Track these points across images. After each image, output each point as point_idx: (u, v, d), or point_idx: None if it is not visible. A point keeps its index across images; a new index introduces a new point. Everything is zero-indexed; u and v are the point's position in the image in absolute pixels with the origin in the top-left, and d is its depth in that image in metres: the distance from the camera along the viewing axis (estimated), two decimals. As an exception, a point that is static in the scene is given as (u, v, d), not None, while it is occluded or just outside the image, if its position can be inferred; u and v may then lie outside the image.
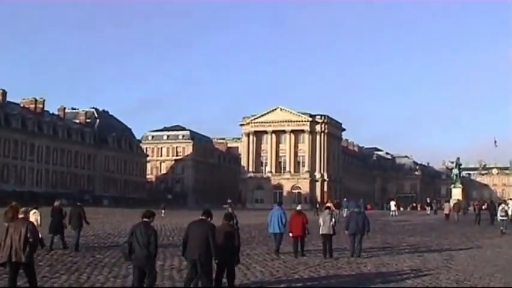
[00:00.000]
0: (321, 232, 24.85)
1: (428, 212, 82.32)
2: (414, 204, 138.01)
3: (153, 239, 13.62)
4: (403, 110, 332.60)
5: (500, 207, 45.41)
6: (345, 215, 49.67)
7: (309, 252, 25.49)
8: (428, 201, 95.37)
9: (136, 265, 13.82)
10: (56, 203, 25.96)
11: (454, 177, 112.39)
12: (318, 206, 79.89)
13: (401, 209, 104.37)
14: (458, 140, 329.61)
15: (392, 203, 79.53)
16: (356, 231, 24.75)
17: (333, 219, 25.30)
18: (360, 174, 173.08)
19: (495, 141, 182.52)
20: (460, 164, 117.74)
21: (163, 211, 61.67)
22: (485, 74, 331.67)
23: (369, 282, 17.79)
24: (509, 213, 42.01)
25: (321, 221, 25.18)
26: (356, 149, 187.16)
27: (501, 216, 42.72)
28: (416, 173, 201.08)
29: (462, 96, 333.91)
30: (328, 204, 49.52)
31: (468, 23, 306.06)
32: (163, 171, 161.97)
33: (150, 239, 13.56)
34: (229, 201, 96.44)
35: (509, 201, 52.71)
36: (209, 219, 14.52)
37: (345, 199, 76.61)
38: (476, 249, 28.82)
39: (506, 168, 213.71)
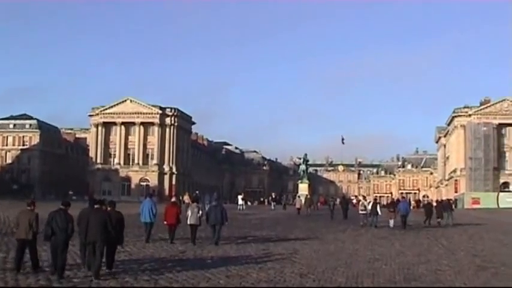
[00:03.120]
0: (188, 222, 27.84)
1: (273, 207, 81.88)
2: (262, 199, 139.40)
3: (70, 225, 16.66)
4: (253, 105, 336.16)
5: (360, 203, 49.24)
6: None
7: (177, 239, 27.88)
8: (273, 196, 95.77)
9: (53, 245, 16.63)
10: None
11: (301, 172, 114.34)
12: (181, 198, 79.35)
13: (249, 203, 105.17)
14: (306, 137, 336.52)
15: (240, 197, 79.97)
16: (215, 222, 27.47)
17: (200, 212, 28.39)
18: (209, 168, 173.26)
19: (342, 139, 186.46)
20: (307, 160, 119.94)
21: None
22: (334, 73, 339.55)
23: (213, 276, 17.82)
24: (368, 207, 45.26)
25: (189, 212, 28.35)
26: (205, 143, 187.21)
27: (361, 210, 45.91)
28: (264, 168, 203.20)
29: (311, 94, 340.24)
30: (186, 198, 53.34)
31: (327, 22, 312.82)
32: (9, 161, 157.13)
33: (68, 224, 16.62)
34: (70, 192, 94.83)
35: (367, 198, 56.23)
36: (103, 207, 18.28)
37: (197, 192, 76.68)
38: (321, 244, 29.35)
39: (352, 166, 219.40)
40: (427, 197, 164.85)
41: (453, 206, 54.32)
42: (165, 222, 27.91)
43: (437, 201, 61.01)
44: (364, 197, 56.35)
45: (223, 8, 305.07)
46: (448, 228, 44.33)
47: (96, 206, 17.95)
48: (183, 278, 17.37)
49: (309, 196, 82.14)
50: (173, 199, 31.41)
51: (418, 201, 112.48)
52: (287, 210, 75.50)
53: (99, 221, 16.98)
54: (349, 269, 19.92)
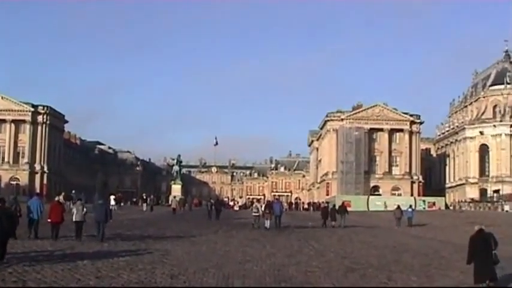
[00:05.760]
0: (74, 219, 29.71)
1: (145, 209, 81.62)
2: (135, 200, 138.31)
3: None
4: (129, 106, 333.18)
5: (254, 205, 51.40)
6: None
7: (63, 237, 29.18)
8: (144, 197, 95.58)
9: None
10: None
11: (175, 173, 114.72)
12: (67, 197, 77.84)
13: (122, 203, 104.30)
14: (180, 138, 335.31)
15: (112, 198, 79.22)
16: (99, 220, 29.39)
17: (85, 209, 30.14)
18: (81, 168, 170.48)
19: (216, 141, 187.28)
20: (181, 161, 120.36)
21: None
22: (209, 74, 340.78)
23: (83, 277, 17.62)
24: (261, 210, 46.48)
25: (74, 210, 30.44)
26: (78, 142, 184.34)
27: (254, 212, 47.39)
28: (137, 168, 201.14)
29: (186, 95, 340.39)
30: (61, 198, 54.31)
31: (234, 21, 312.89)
32: None
33: None
34: None
35: (260, 201, 58.21)
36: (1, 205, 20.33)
37: (74, 191, 75.65)
38: (192, 245, 29.37)
39: (225, 167, 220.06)
40: (300, 199, 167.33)
41: (347, 210, 56.26)
42: (49, 220, 29.22)
43: (326, 204, 62.34)
44: (258, 200, 57.78)
45: (105, 8, 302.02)
46: (320, 230, 45.40)
47: None
48: (52, 279, 17.06)
49: (182, 197, 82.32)
50: (57, 198, 33.62)
51: (290, 204, 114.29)
52: (155, 211, 75.57)
53: None
54: (220, 271, 19.99)
